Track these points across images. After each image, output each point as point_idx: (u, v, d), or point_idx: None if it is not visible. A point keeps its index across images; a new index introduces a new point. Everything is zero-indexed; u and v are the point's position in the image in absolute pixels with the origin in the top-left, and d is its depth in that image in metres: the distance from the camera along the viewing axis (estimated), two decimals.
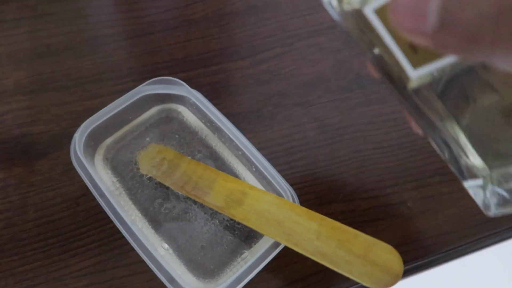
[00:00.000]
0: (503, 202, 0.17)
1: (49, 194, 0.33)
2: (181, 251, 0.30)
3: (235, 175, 0.33)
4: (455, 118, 0.17)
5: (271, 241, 0.28)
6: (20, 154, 0.34)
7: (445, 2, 0.11)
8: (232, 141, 0.32)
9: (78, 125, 0.32)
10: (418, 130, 0.19)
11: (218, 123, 0.32)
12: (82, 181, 0.30)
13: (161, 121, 0.35)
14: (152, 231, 0.31)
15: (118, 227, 0.28)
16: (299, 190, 0.34)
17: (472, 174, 0.18)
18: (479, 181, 0.18)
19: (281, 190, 0.30)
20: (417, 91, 0.16)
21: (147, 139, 0.34)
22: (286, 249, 0.28)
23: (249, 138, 0.35)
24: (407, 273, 0.33)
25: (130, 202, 0.32)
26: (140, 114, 0.35)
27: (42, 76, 0.38)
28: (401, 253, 0.27)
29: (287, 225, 0.28)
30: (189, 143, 0.35)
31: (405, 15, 0.12)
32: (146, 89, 0.33)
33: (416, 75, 0.15)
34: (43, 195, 0.33)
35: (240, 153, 0.33)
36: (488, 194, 0.18)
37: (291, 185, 0.32)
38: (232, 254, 0.30)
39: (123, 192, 0.32)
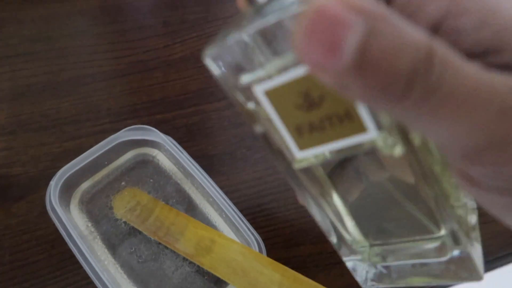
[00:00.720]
0: (380, 277, 0.18)
1: (24, 237, 0.34)
2: None
3: (207, 220, 0.35)
4: (341, 196, 0.17)
5: None
6: None
7: (367, 42, 0.10)
8: (203, 187, 0.34)
9: (56, 167, 0.33)
10: (303, 203, 0.19)
11: (189, 170, 0.34)
12: None
13: (137, 165, 0.37)
14: (125, 276, 0.32)
15: (90, 276, 0.30)
16: (268, 233, 0.36)
17: (351, 249, 0.18)
18: (358, 256, 0.18)
19: (248, 239, 0.32)
20: (304, 169, 0.16)
21: (123, 183, 0.35)
22: None
23: (222, 181, 0.37)
24: None
25: (104, 247, 0.33)
26: (116, 158, 0.36)
27: (21, 116, 0.39)
28: None
29: (252, 275, 0.29)
30: (163, 187, 0.36)
31: (316, 45, 0.10)
32: (123, 135, 0.34)
33: (301, 156, 0.15)
34: (18, 238, 0.34)
35: (211, 199, 0.34)
36: (366, 269, 0.18)
37: (261, 227, 0.33)
38: None
39: (98, 237, 0.33)
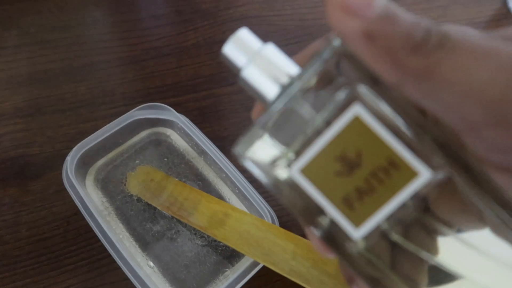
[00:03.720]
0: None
1: (41, 213, 0.35)
2: (166, 269, 0.32)
3: (220, 196, 0.35)
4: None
5: (251, 260, 0.30)
6: (15, 175, 0.36)
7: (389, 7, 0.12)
8: (216, 163, 0.34)
9: (72, 147, 0.34)
10: None
11: (203, 147, 0.34)
12: (73, 201, 0.32)
13: (151, 144, 0.37)
14: (139, 250, 0.32)
15: (106, 246, 0.30)
16: (281, 211, 0.36)
17: None
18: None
19: (261, 212, 0.32)
20: (367, 251, 0.13)
21: (137, 161, 0.36)
22: (266, 268, 0.30)
23: (234, 161, 0.37)
24: None
25: (118, 222, 0.33)
26: (130, 137, 0.37)
27: (38, 100, 0.40)
28: None
29: (265, 245, 0.29)
30: (177, 165, 0.36)
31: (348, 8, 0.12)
32: (137, 114, 0.35)
33: (361, 234, 0.13)
34: (35, 214, 0.34)
35: (224, 175, 0.34)
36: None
37: (274, 206, 0.33)
38: (215, 273, 0.32)
39: (112, 212, 0.34)
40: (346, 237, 0.13)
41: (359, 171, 0.12)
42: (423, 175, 0.12)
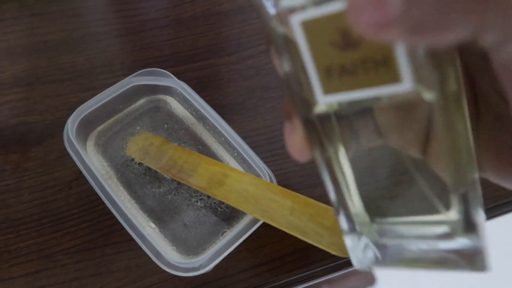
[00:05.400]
0: (375, 257, 0.17)
1: (43, 178, 0.35)
2: (166, 230, 0.32)
3: (219, 160, 0.35)
4: (348, 157, 0.16)
5: (250, 219, 0.30)
6: (16, 142, 0.36)
7: None
8: (215, 128, 0.35)
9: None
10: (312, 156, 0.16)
11: (203, 112, 0.35)
12: (75, 166, 0.32)
13: (150, 111, 0.37)
14: (140, 211, 0.33)
15: (108, 207, 0.30)
16: (280, 176, 0.37)
17: (352, 222, 0.17)
18: (357, 229, 0.17)
19: (259, 172, 0.32)
20: (320, 117, 0.15)
21: (137, 128, 0.36)
22: (266, 230, 0.30)
23: (233, 128, 0.37)
24: None
25: (119, 185, 0.34)
26: (130, 104, 0.37)
27: (38, 70, 0.40)
28: None
29: (263, 202, 0.30)
30: (176, 131, 0.37)
31: (365, 7, 0.10)
32: (135, 80, 0.35)
33: (324, 101, 0.14)
34: (37, 179, 0.35)
35: (223, 139, 0.35)
36: (362, 247, 0.17)
37: (272, 171, 0.34)
38: (214, 233, 0.32)
39: (113, 176, 0.34)
40: (310, 96, 0.14)
41: (353, 52, 0.12)
42: (404, 85, 0.12)
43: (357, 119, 0.16)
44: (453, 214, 0.15)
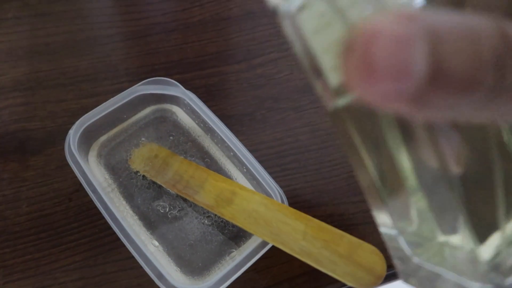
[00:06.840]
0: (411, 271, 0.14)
1: (42, 189, 0.33)
2: (170, 248, 0.31)
3: (227, 175, 0.34)
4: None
5: (259, 241, 0.29)
6: (15, 149, 0.35)
7: (435, 49, 0.08)
8: (224, 142, 0.33)
9: (73, 122, 0.32)
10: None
11: (211, 124, 0.33)
12: (75, 177, 0.31)
13: (156, 121, 0.36)
14: (143, 228, 0.31)
15: (109, 223, 0.29)
16: (289, 192, 0.35)
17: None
18: (394, 231, 0.14)
19: (270, 191, 0.31)
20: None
21: (142, 138, 0.35)
22: (274, 249, 0.29)
23: (241, 140, 0.36)
24: (393, 277, 0.34)
25: (122, 199, 0.32)
26: (134, 113, 0.35)
27: (39, 73, 0.39)
28: (387, 257, 0.28)
29: (274, 225, 0.28)
30: (182, 143, 0.35)
31: (381, 73, 0.08)
32: (141, 88, 0.34)
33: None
34: (36, 190, 0.33)
35: (231, 154, 0.33)
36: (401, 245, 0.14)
37: (282, 187, 0.32)
38: (221, 253, 0.31)
39: (116, 189, 0.33)
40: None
41: None
42: None
43: None
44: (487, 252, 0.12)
